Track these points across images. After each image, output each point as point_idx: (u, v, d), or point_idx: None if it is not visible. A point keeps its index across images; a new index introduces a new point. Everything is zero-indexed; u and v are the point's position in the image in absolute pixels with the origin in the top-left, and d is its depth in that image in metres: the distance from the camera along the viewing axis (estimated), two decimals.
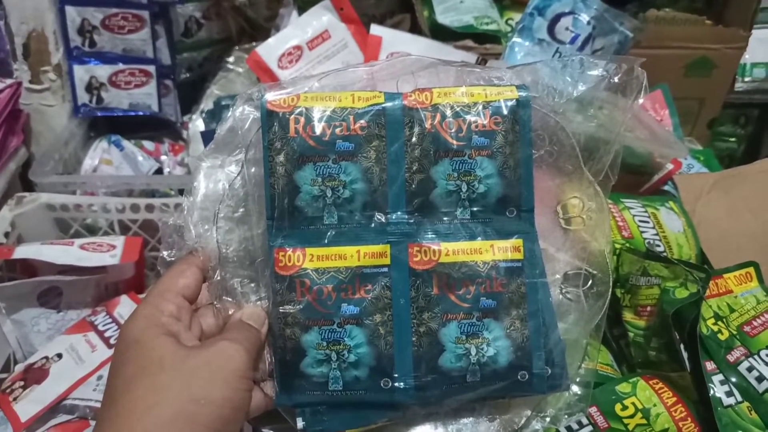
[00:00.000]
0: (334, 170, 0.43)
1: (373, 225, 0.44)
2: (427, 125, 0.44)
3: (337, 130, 0.43)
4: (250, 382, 0.40)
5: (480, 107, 0.44)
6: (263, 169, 0.44)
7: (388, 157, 0.44)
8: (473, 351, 0.42)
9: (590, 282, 0.46)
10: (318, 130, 0.43)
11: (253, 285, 0.45)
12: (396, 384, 0.42)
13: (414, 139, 0.44)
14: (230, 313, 0.44)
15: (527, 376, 0.42)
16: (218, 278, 0.45)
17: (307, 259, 0.43)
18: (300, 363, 0.42)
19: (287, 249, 0.43)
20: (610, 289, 0.46)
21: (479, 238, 0.44)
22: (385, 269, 0.43)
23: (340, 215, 0.44)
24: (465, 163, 0.43)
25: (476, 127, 0.44)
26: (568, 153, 0.46)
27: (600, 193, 0.46)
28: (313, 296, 0.42)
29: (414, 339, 0.42)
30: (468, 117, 0.44)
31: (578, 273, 0.46)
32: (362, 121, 0.44)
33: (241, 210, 0.46)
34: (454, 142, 0.44)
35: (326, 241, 0.43)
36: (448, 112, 0.44)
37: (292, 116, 0.43)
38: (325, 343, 0.42)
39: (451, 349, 0.42)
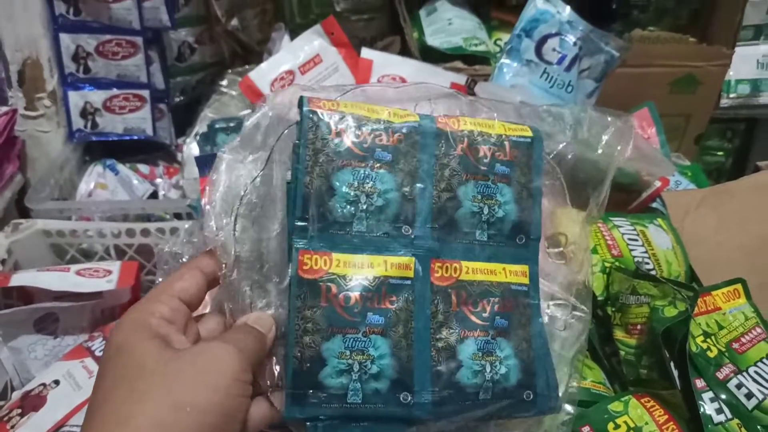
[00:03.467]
0: (372, 177, 0.43)
1: (400, 237, 0.43)
2: (457, 148, 0.45)
3: (377, 139, 0.43)
4: (246, 387, 0.37)
5: (502, 138, 0.46)
6: (293, 169, 0.43)
7: (420, 172, 0.44)
8: (488, 368, 0.42)
9: (572, 313, 0.47)
10: (359, 136, 0.43)
11: (261, 291, 0.43)
12: (415, 399, 0.41)
13: (444, 159, 0.45)
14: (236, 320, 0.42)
15: (532, 396, 0.43)
16: (233, 277, 0.43)
17: (334, 264, 0.41)
18: (319, 373, 0.40)
19: (313, 252, 0.41)
20: (590, 322, 0.47)
21: (493, 261, 0.45)
22: (409, 282, 0.42)
23: (369, 223, 0.43)
24: (488, 187, 0.45)
25: (499, 155, 0.46)
26: (558, 190, 0.49)
27: (585, 230, 0.48)
28: (339, 302, 0.41)
29: (433, 353, 0.42)
30: (492, 146, 0.46)
31: (561, 304, 0.47)
32: (399, 134, 0.44)
33: (257, 211, 0.44)
34: (480, 166, 0.45)
35: (354, 248, 0.42)
36: (476, 139, 0.46)
37: (333, 118, 0.43)
38: (348, 352, 0.40)
39: (468, 365, 0.42)
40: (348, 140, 0.43)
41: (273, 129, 0.45)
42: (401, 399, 0.41)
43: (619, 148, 0.56)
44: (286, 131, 0.44)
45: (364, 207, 0.42)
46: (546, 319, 0.46)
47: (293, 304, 0.40)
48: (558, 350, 0.46)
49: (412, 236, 0.43)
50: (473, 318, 0.43)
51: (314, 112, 0.43)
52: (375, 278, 0.41)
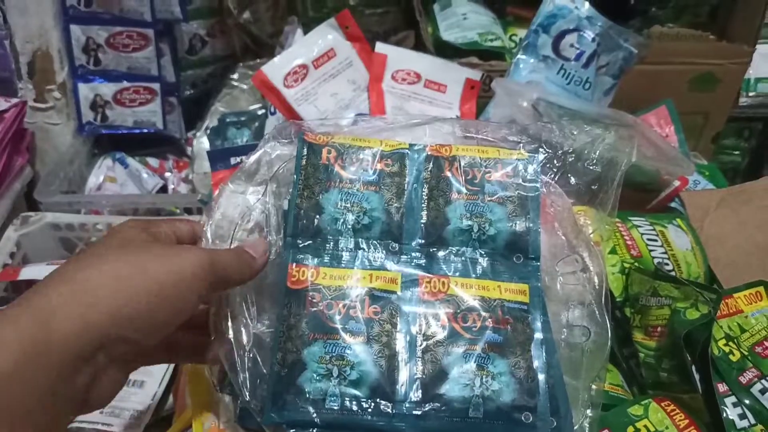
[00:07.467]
0: (357, 197, 0.46)
1: (387, 253, 0.45)
2: (446, 171, 0.48)
3: (364, 164, 0.47)
4: (201, 286, 0.36)
5: (493, 162, 0.48)
6: (291, 192, 0.46)
7: (408, 193, 0.47)
8: (477, 383, 0.41)
9: (590, 336, 0.45)
10: (348, 161, 0.47)
11: (254, 308, 0.44)
12: (396, 410, 0.40)
13: (433, 181, 0.47)
14: None
15: (531, 418, 0.41)
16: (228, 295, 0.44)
17: (320, 276, 0.43)
18: (298, 377, 0.40)
19: (302, 265, 0.44)
20: (609, 343, 0.45)
21: (487, 278, 0.45)
22: (395, 295, 0.43)
23: (357, 240, 0.45)
24: (478, 206, 0.46)
25: (489, 176, 0.48)
26: (566, 214, 0.49)
27: (597, 253, 0.48)
28: (321, 310, 0.42)
29: (418, 365, 0.41)
30: (482, 168, 0.48)
31: (576, 327, 0.46)
32: (388, 160, 0.48)
33: (254, 235, 0.46)
34: (469, 186, 0.47)
35: (341, 263, 0.44)
36: (465, 162, 0.48)
37: (325, 148, 0.47)
38: (328, 357, 0.41)
39: (455, 379, 0.41)
40: (337, 165, 0.47)
41: (272, 165, 0.49)
42: (381, 408, 0.40)
43: (627, 150, 0.56)
44: (284, 165, 0.48)
45: (351, 224, 0.45)
46: (562, 344, 0.45)
47: (279, 312, 0.42)
48: (571, 379, 0.44)
49: (400, 253, 0.45)
50: (462, 332, 0.42)
51: (309, 144, 0.47)
52: (359, 289, 0.43)
